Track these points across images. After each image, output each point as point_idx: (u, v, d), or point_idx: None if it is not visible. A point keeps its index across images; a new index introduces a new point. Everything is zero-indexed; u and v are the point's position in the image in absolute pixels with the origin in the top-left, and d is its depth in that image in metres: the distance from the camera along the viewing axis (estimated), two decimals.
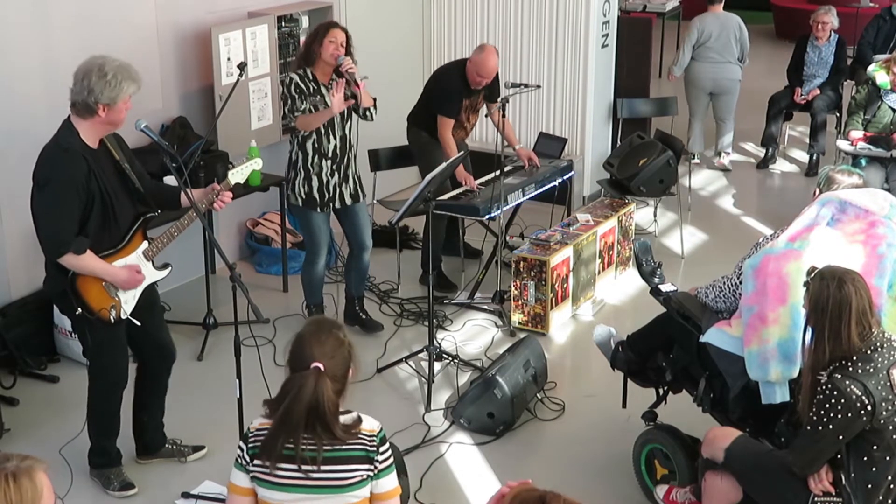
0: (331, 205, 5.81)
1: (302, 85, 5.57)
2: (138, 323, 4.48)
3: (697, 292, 4.54)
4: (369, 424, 3.13)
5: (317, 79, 5.62)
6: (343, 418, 3.09)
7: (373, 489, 3.11)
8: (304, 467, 3.04)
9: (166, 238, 4.47)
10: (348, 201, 5.84)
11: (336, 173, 5.75)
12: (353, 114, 5.75)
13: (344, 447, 3.06)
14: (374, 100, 5.74)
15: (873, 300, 3.60)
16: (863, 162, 7.19)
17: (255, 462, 3.09)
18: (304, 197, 5.75)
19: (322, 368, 3.04)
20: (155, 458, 4.87)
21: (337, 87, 5.46)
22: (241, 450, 3.13)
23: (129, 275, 4.38)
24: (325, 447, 3.04)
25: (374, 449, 3.09)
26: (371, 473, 3.09)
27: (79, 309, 4.32)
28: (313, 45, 5.59)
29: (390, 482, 3.14)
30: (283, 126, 6.97)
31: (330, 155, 5.70)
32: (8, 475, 2.42)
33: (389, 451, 3.15)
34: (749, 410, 4.20)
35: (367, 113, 5.75)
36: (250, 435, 3.12)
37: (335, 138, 5.69)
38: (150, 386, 4.77)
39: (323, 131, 5.64)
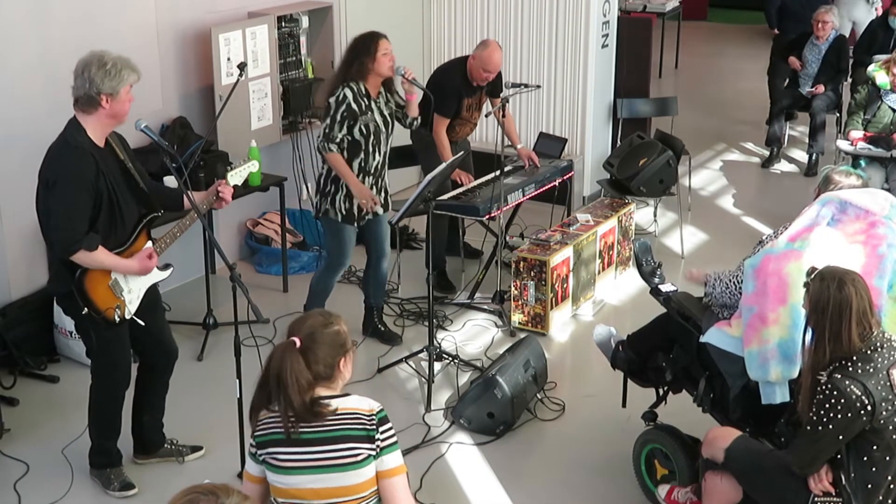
0: (366, 218, 5.69)
1: (354, 105, 5.41)
2: (142, 323, 4.50)
3: (707, 279, 4.46)
4: (368, 405, 3.17)
5: (369, 93, 5.50)
6: (332, 401, 3.12)
7: (378, 467, 3.14)
8: (297, 449, 3.08)
9: (170, 238, 4.49)
10: (379, 211, 5.71)
11: (374, 188, 5.63)
12: (397, 122, 5.71)
13: (340, 426, 3.10)
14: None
15: (873, 300, 3.60)
16: (862, 163, 7.18)
17: (263, 450, 3.13)
18: (344, 213, 5.59)
19: (297, 343, 3.08)
20: (153, 458, 4.87)
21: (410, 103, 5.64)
22: (252, 439, 3.19)
23: (141, 263, 4.39)
24: (315, 426, 3.08)
25: (374, 428, 3.12)
26: (374, 452, 3.12)
27: (85, 309, 4.32)
28: (365, 61, 5.43)
29: (394, 460, 3.16)
30: (284, 126, 7.00)
31: (372, 171, 5.59)
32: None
33: (392, 431, 3.17)
34: (749, 410, 4.20)
35: (414, 122, 5.76)
36: (257, 425, 3.17)
37: (380, 154, 5.60)
38: (151, 385, 4.77)
39: (371, 149, 5.52)
